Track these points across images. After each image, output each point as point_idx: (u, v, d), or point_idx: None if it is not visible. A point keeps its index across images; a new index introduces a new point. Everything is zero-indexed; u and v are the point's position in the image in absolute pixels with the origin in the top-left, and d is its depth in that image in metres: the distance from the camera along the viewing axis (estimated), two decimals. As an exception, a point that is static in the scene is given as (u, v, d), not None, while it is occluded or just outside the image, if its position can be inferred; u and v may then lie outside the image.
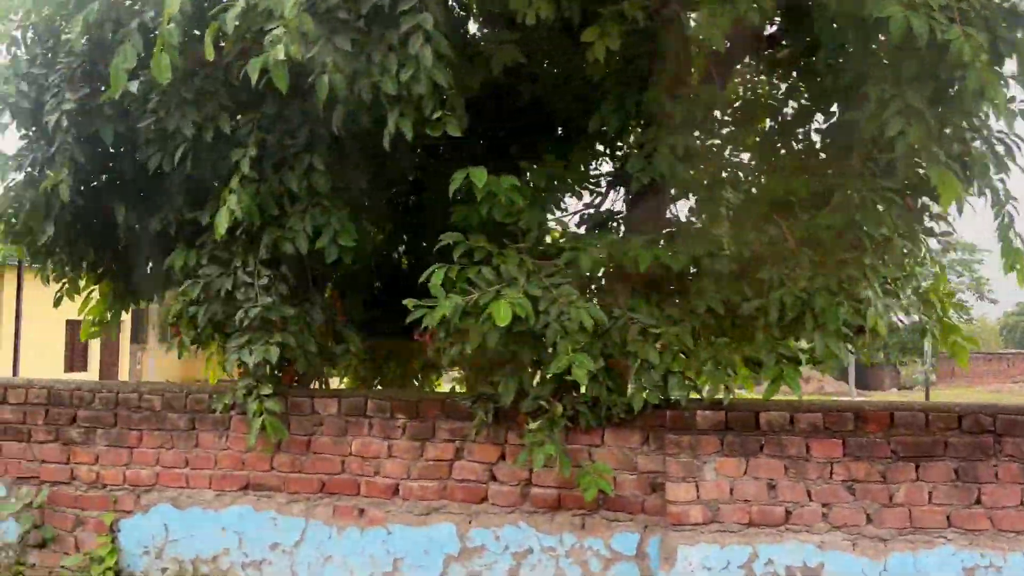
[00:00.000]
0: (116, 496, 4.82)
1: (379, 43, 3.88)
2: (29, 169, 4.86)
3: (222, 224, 4.22)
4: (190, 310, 4.78)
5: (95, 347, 28.73)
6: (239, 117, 4.50)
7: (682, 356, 4.04)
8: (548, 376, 4.08)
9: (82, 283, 5.69)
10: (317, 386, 5.23)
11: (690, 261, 4.34)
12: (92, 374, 27.84)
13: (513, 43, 4.48)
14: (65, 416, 4.93)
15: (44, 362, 24.50)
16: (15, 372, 19.01)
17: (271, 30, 3.77)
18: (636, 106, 4.71)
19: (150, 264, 5.56)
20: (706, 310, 4.21)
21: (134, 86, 4.18)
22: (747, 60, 5.49)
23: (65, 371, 26.33)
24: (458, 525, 4.38)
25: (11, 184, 5.14)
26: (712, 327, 4.36)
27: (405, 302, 4.04)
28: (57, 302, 5.58)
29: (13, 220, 5.20)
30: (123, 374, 30.19)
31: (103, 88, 4.73)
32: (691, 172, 4.69)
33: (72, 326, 27.45)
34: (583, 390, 4.15)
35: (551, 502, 4.30)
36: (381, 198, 5.41)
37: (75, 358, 27.59)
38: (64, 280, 5.46)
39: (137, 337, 32.61)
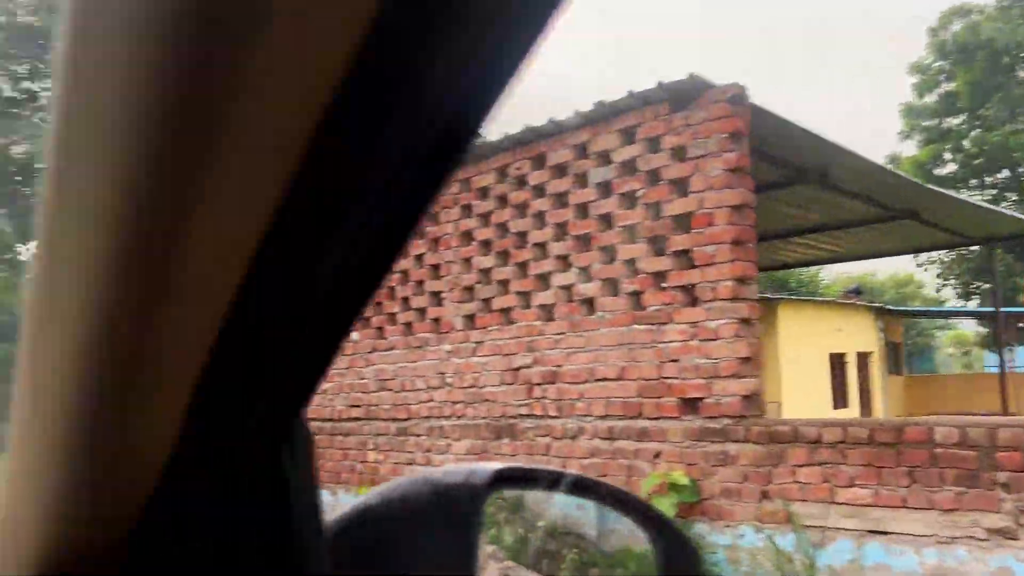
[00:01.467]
0: None
1: None
2: None
3: None
4: None
5: (852, 382, 26.33)
6: None
7: None
8: None
9: None
10: None
11: None
12: (852, 411, 25.61)
13: None
14: None
15: (810, 399, 22.85)
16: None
17: None
18: None
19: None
20: None
21: None
22: None
23: (834, 409, 24.53)
24: None
25: None
26: None
27: None
28: None
29: None
30: (876, 410, 27.52)
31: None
32: None
33: (834, 359, 25.57)
34: None
35: None
36: None
37: (837, 394, 25.47)
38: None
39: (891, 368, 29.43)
